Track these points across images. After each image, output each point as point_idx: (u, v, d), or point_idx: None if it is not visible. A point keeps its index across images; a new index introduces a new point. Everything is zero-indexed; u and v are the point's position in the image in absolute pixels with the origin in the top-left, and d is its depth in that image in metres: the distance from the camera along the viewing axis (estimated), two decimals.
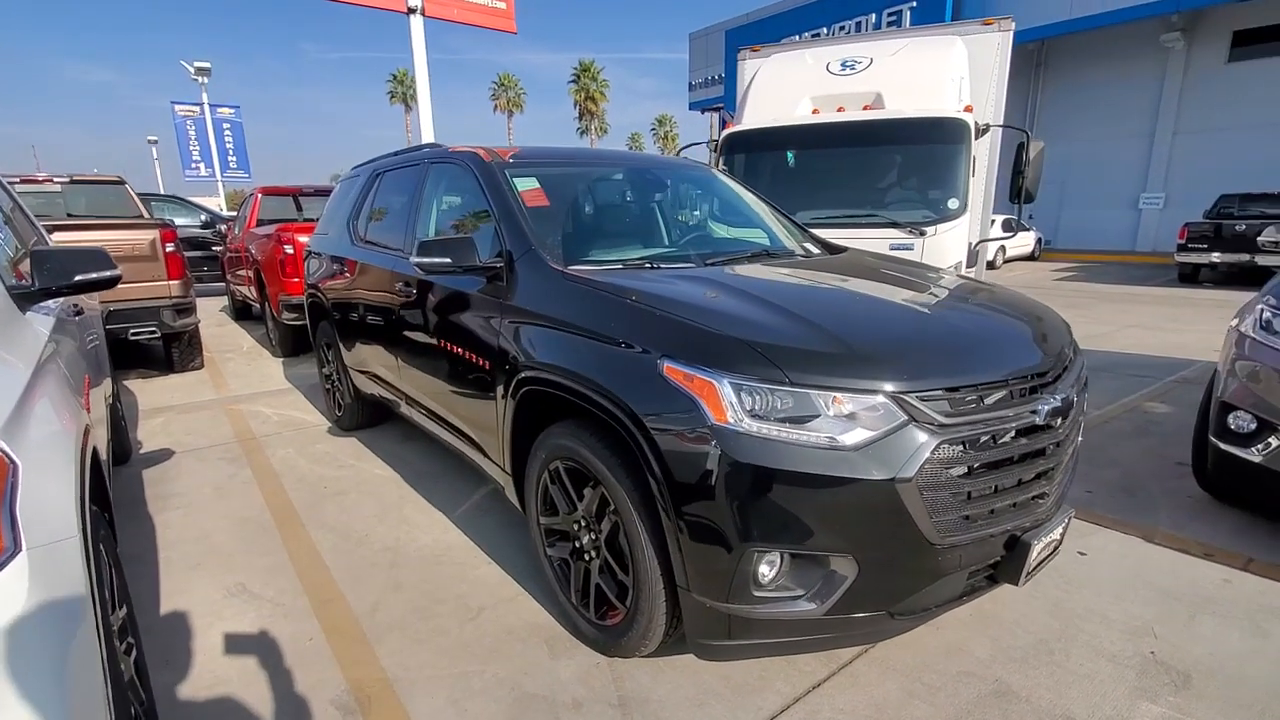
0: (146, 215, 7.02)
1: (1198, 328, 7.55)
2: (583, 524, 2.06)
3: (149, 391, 5.47)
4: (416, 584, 2.52)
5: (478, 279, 2.46)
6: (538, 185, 2.62)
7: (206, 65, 22.68)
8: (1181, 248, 12.35)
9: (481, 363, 2.42)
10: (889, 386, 1.58)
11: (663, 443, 1.64)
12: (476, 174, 2.68)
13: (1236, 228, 11.73)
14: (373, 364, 3.63)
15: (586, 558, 2.07)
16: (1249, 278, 11.81)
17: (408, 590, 2.48)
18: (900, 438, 1.55)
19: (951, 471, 1.60)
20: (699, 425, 1.59)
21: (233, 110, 25.61)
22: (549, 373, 2.04)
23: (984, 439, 1.66)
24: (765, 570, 1.62)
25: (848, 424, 1.56)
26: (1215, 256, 11.91)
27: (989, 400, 1.70)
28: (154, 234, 5.39)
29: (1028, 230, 16.62)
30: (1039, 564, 1.84)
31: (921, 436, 1.56)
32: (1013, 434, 1.72)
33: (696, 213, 3.21)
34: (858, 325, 1.88)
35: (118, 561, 1.72)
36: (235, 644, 2.18)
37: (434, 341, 2.80)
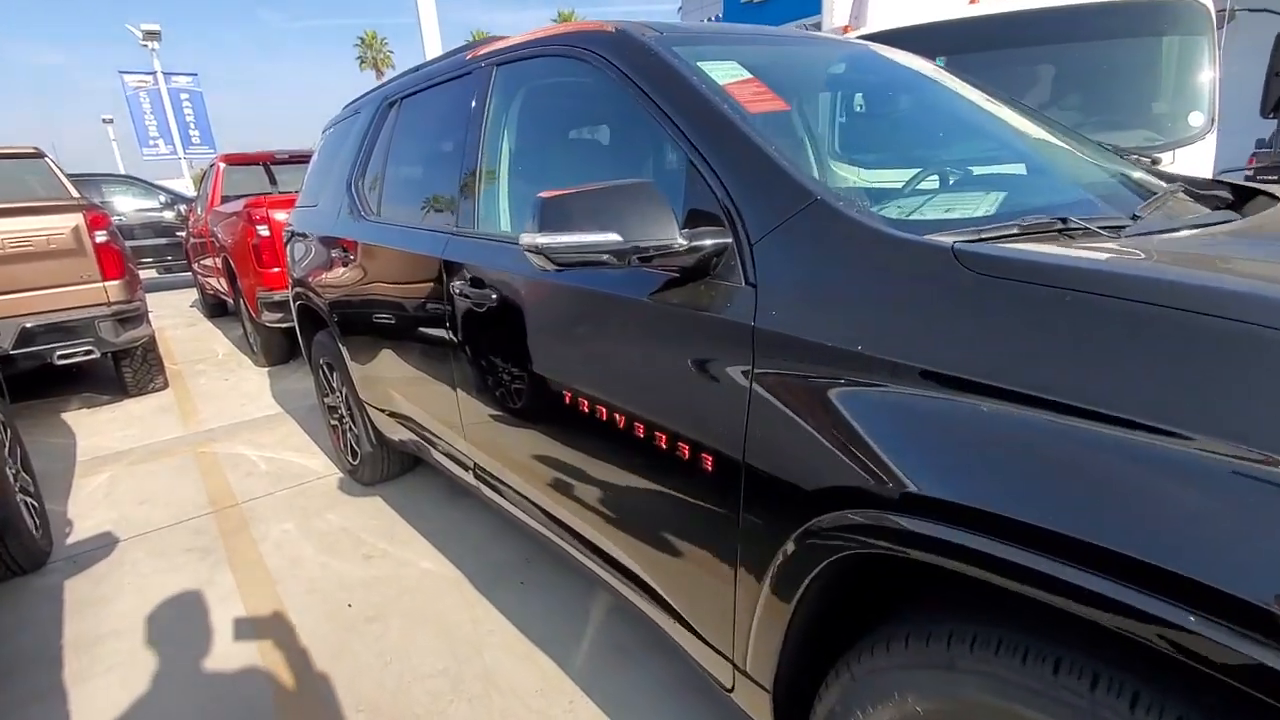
0: (77, 196, 5.57)
1: None
2: None
3: (93, 428, 4.14)
4: None
5: (650, 275, 1.17)
6: (749, 74, 1.29)
7: (155, 28, 20.44)
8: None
9: (689, 456, 1.15)
10: None
11: None
12: (622, 67, 1.34)
13: None
14: (408, 407, 2.34)
15: None
16: None
17: None
18: None
19: None
20: None
21: (190, 78, 23.33)
22: (946, 529, 0.76)
23: None
24: None
25: None
26: None
27: None
28: (76, 219, 3.97)
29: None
30: None
31: None
32: None
33: (977, 132, 1.87)
34: None
35: None
36: None
37: (549, 393, 1.52)
